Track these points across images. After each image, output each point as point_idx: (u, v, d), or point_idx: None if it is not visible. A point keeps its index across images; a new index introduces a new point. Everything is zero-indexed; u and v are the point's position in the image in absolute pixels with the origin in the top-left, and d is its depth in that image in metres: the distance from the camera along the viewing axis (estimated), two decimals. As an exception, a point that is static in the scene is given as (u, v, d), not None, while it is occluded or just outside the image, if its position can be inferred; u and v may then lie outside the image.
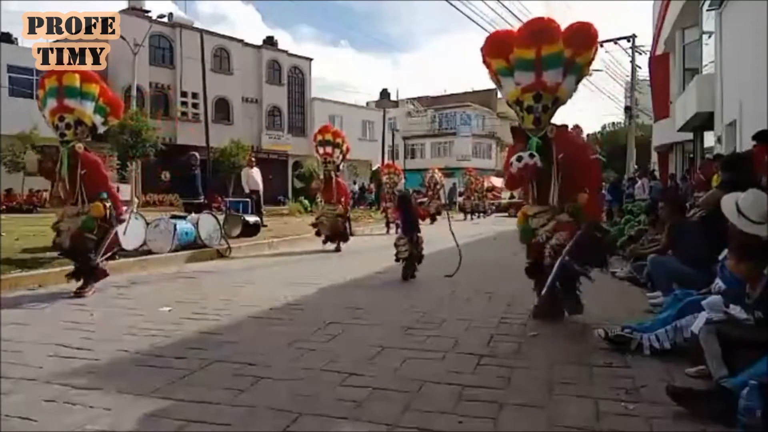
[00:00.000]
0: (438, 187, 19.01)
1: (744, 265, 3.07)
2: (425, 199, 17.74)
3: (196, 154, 10.66)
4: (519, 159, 4.13)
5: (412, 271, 6.71)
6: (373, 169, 35.38)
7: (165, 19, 29.60)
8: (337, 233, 10.03)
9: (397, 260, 6.74)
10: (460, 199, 25.07)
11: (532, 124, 4.30)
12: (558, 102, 4.38)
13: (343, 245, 10.11)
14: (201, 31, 24.16)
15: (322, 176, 10.46)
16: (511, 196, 28.41)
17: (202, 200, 10.47)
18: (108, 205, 5.56)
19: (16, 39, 26.69)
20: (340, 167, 10.46)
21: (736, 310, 3.03)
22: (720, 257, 4.08)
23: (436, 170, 19.79)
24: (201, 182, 10.53)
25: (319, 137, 10.17)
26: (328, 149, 10.01)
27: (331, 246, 10.04)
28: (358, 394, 2.87)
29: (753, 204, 3.76)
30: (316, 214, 10.95)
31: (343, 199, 10.15)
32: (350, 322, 4.49)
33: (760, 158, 5.89)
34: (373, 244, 11.31)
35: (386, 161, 25.36)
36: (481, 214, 24.27)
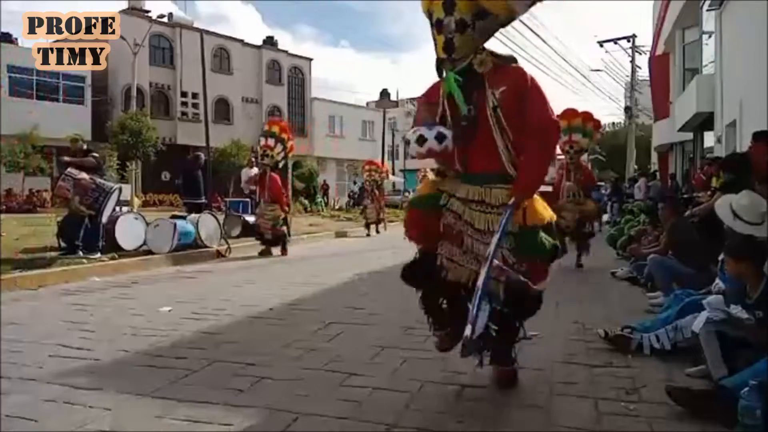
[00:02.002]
0: None
1: (742, 264, 3.07)
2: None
3: (201, 154, 10.67)
4: (420, 140, 2.62)
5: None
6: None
7: (165, 19, 29.58)
8: (278, 237, 9.39)
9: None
10: None
11: (443, 51, 2.71)
12: (487, 17, 2.67)
13: (275, 250, 9.36)
14: (201, 31, 24.12)
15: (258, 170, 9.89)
16: None
17: (203, 201, 10.48)
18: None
19: (16, 39, 26.68)
20: (280, 164, 9.74)
21: (736, 310, 3.02)
22: (720, 257, 4.08)
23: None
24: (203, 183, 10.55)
25: (266, 128, 9.74)
26: (270, 142, 9.32)
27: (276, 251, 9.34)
28: (358, 394, 2.87)
29: (748, 206, 3.77)
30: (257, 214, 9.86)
31: (281, 199, 9.56)
32: (350, 322, 4.49)
33: (758, 157, 5.89)
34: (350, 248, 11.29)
35: (385, 160, 25.34)
36: None
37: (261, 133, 9.90)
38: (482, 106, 2.67)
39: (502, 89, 2.63)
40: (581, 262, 7.78)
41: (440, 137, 2.63)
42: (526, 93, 2.66)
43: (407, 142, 2.75)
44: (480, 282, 2.47)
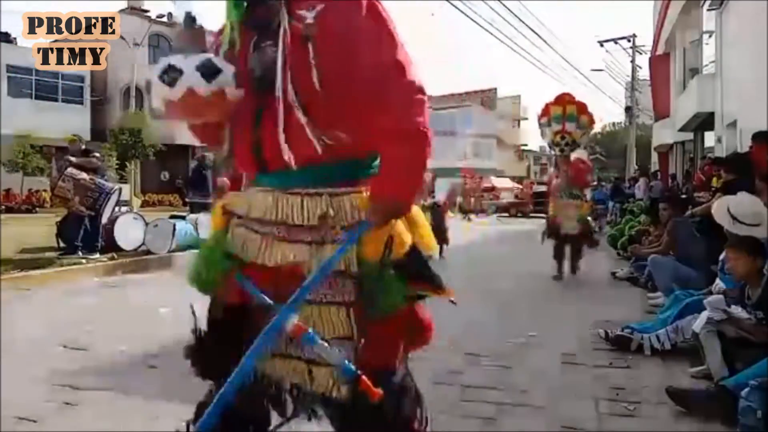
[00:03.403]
0: (426, 187, 18.77)
1: (743, 262, 3.07)
2: None
3: (210, 154, 10.65)
4: (169, 74, 1.42)
5: None
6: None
7: (164, 19, 29.58)
8: None
9: None
10: (459, 199, 25.03)
11: None
12: None
13: None
14: (201, 31, 24.07)
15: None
16: (516, 197, 28.44)
17: (210, 200, 10.49)
18: None
19: (15, 39, 26.69)
20: None
21: (737, 310, 3.03)
22: (720, 257, 4.08)
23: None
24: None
25: None
26: None
27: None
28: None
29: (746, 208, 3.78)
30: None
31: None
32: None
33: (759, 158, 5.90)
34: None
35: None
36: (479, 214, 24.23)
37: None
38: (286, 46, 1.43)
39: (320, 8, 1.43)
40: (578, 265, 7.06)
41: (209, 70, 1.41)
42: (356, 19, 1.42)
43: (148, 88, 1.71)
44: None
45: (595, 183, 16.91)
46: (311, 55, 1.40)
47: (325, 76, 1.41)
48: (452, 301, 1.58)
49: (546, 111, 7.15)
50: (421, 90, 1.45)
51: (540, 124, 7.38)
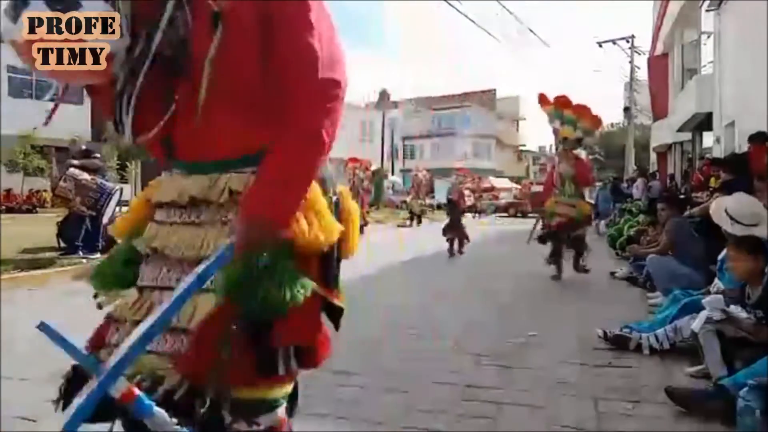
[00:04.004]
0: (422, 186, 18.62)
1: (743, 261, 3.08)
2: (407, 198, 17.55)
3: None
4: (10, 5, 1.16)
5: None
6: (372, 169, 35.36)
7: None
8: None
9: None
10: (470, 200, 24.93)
11: None
12: None
13: None
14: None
15: None
16: (515, 197, 28.44)
17: None
18: None
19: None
20: None
21: (736, 310, 3.03)
22: (719, 257, 4.10)
23: (421, 169, 19.55)
24: None
25: None
26: None
27: None
28: (357, 394, 2.88)
29: (743, 208, 3.79)
30: None
31: None
32: (349, 321, 4.49)
33: (756, 159, 5.93)
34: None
35: (384, 161, 25.30)
36: (477, 215, 24.16)
37: None
38: (196, 15, 1.22)
39: None
40: (585, 265, 6.97)
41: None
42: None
43: None
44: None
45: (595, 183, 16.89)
46: (220, 37, 1.19)
47: (235, 63, 1.22)
48: (340, 308, 1.38)
49: (545, 103, 7.13)
50: (332, 91, 1.24)
51: (545, 111, 7.30)
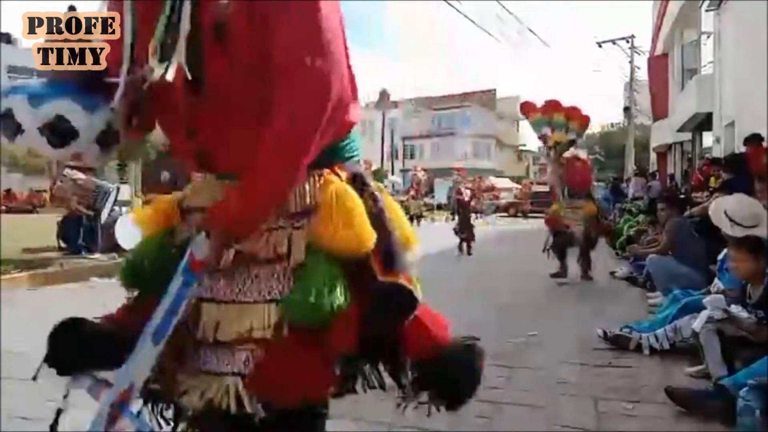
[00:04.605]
0: (421, 186, 18.58)
1: (745, 262, 3.08)
2: (405, 198, 17.54)
3: None
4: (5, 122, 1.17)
5: None
6: (373, 169, 35.34)
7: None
8: None
9: None
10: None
11: None
12: None
13: None
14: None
15: None
16: (516, 197, 28.42)
17: None
18: None
19: (15, 39, 26.68)
20: None
21: (737, 309, 3.03)
22: (719, 257, 4.10)
23: (420, 169, 19.48)
24: None
25: None
26: None
27: None
28: (356, 393, 2.87)
29: (743, 210, 3.79)
30: None
31: None
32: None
33: (755, 159, 5.95)
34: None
35: (384, 161, 25.26)
36: (478, 215, 24.11)
37: None
38: (202, 13, 1.14)
39: None
40: (589, 273, 6.78)
41: (58, 133, 1.16)
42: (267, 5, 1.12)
43: None
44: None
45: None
46: (227, 41, 1.12)
47: (243, 73, 1.14)
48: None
49: (531, 111, 7.03)
50: (333, 101, 1.13)
51: (529, 122, 7.22)
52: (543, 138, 6.89)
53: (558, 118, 6.76)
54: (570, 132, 6.82)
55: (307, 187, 1.18)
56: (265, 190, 1.14)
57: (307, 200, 1.18)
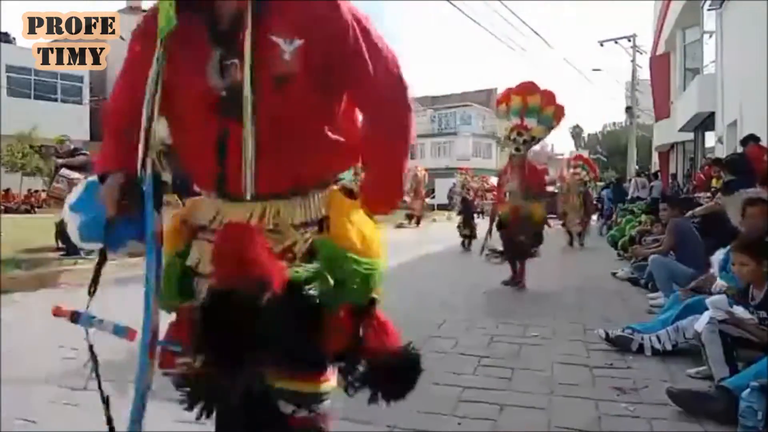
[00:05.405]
0: (421, 186, 18.36)
1: (748, 264, 3.07)
2: (406, 198, 17.45)
3: None
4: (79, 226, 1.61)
5: None
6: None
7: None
8: None
9: None
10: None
11: None
12: None
13: None
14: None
15: None
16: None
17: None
18: None
19: (14, 39, 26.71)
20: None
21: (739, 310, 3.02)
22: (719, 257, 4.09)
23: (420, 168, 19.34)
24: None
25: None
26: None
27: None
28: (357, 394, 2.86)
29: None
30: None
31: None
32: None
33: (754, 159, 5.94)
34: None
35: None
36: (480, 215, 24.07)
37: None
38: (261, 64, 1.25)
39: (298, 43, 1.26)
40: (522, 280, 6.07)
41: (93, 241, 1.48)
42: (349, 44, 1.31)
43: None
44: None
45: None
46: (291, 89, 1.26)
47: (304, 107, 1.30)
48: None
49: (506, 98, 6.15)
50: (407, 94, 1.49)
51: (497, 113, 6.46)
52: (519, 130, 5.94)
53: (533, 103, 5.96)
54: (542, 122, 6.03)
55: (315, 201, 1.39)
56: (399, 170, 1.49)
57: (314, 213, 1.38)
